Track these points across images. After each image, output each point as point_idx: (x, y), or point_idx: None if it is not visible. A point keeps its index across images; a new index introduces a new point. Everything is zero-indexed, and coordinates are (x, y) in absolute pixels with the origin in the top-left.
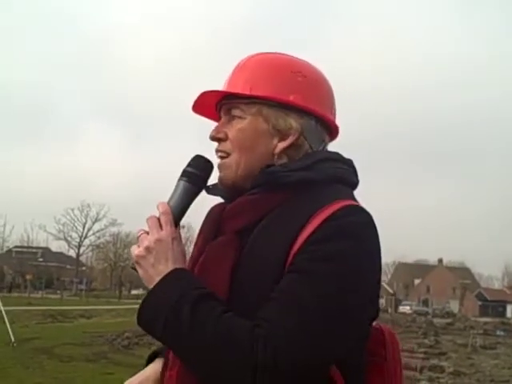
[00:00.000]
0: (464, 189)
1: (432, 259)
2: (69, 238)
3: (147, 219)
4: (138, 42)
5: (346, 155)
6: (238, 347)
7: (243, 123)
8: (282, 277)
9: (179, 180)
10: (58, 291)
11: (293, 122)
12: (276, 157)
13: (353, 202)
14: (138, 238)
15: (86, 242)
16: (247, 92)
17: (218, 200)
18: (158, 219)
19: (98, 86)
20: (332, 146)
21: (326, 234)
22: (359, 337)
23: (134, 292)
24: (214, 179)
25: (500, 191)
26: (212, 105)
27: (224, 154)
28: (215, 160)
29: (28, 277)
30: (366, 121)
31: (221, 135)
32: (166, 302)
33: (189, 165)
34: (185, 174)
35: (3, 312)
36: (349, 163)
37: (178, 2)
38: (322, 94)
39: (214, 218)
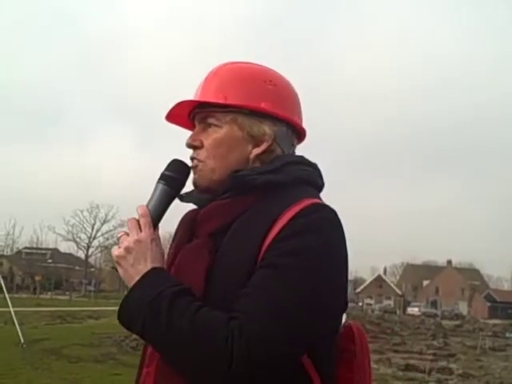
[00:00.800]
0: (473, 189)
1: (441, 260)
2: (78, 239)
3: (127, 221)
4: (150, 43)
5: (360, 157)
6: (214, 339)
7: (219, 132)
8: (254, 268)
9: (158, 183)
10: (67, 292)
11: (266, 129)
12: (250, 162)
13: (318, 201)
14: (118, 239)
15: (95, 243)
16: (222, 101)
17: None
18: (138, 221)
19: (108, 87)
20: (348, 148)
21: (293, 231)
22: (329, 327)
23: None
24: (188, 186)
25: (510, 192)
26: (185, 114)
27: (199, 162)
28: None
29: (37, 278)
30: (380, 122)
31: (197, 143)
32: (144, 300)
33: (167, 168)
34: (163, 177)
35: (12, 313)
36: (314, 166)
37: (188, 3)
38: (291, 101)
39: (188, 223)
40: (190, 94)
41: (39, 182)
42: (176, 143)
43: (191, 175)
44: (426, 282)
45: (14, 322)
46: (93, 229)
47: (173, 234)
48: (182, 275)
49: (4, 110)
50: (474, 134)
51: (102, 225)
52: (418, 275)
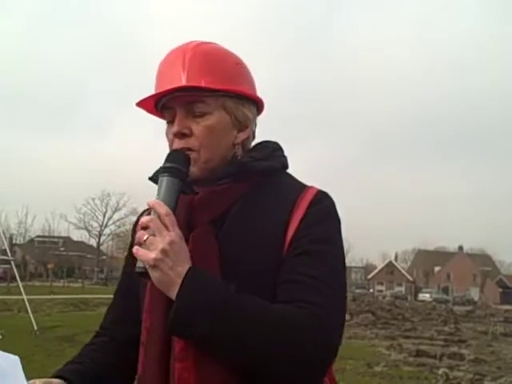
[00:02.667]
0: (485, 175)
1: (452, 246)
2: (89, 228)
3: (147, 222)
4: (171, 35)
5: (374, 142)
6: (296, 329)
7: (211, 119)
8: (282, 253)
9: (162, 177)
10: (80, 280)
11: (248, 113)
12: (236, 148)
13: (318, 187)
14: (144, 241)
15: (107, 231)
16: (211, 85)
17: None
18: (161, 220)
19: (124, 78)
20: (363, 132)
21: (316, 219)
22: None
23: None
24: None
25: None
26: (151, 98)
27: (191, 151)
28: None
29: (50, 266)
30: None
31: (186, 131)
32: (206, 302)
33: (168, 160)
34: (167, 169)
35: (26, 301)
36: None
37: None
38: (253, 79)
39: (184, 210)
40: None
41: (51, 171)
42: None
43: None
44: (437, 268)
45: (27, 310)
46: (104, 217)
47: None
48: (196, 266)
49: (19, 99)
50: (489, 119)
51: (114, 213)
52: (430, 261)
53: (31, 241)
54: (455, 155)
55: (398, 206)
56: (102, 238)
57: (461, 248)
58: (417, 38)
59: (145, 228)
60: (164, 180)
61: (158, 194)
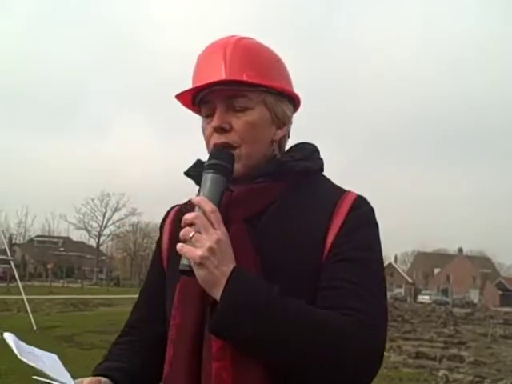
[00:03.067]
0: (485, 175)
1: (452, 248)
2: (89, 228)
3: (193, 218)
4: (173, 35)
5: (373, 143)
6: (345, 336)
7: (252, 115)
8: (321, 257)
9: (206, 173)
10: (79, 280)
11: (287, 110)
12: (273, 145)
13: (356, 192)
14: (190, 238)
15: (106, 231)
16: (255, 80)
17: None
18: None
19: (124, 78)
20: (361, 133)
21: (356, 224)
22: None
23: None
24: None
25: None
26: (189, 93)
27: (230, 147)
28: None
29: (49, 266)
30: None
31: (226, 126)
32: (251, 301)
33: (213, 157)
34: (211, 166)
35: (25, 301)
36: None
37: None
38: (290, 76)
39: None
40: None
41: (51, 171)
42: (190, 135)
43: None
44: (437, 270)
45: (26, 310)
46: (104, 217)
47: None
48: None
49: (19, 99)
50: (489, 119)
51: (113, 213)
52: (429, 263)
53: (31, 241)
54: (455, 155)
55: (398, 207)
56: (102, 238)
57: (460, 250)
58: (417, 37)
59: (189, 225)
60: (209, 177)
61: (202, 190)
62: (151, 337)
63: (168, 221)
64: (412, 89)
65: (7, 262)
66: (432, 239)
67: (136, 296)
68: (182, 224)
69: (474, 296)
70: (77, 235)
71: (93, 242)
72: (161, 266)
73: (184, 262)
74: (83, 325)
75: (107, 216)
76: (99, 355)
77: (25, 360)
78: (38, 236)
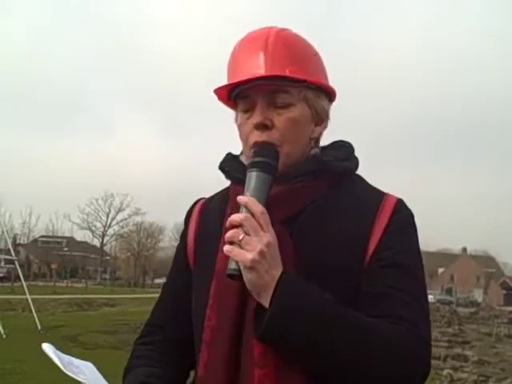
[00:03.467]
0: (485, 175)
1: (456, 248)
2: (93, 228)
3: (242, 220)
4: (171, 35)
5: (374, 143)
6: (395, 343)
7: (294, 111)
8: (363, 260)
9: (251, 171)
10: (83, 280)
11: (325, 106)
12: (312, 142)
13: (395, 195)
14: (240, 240)
15: (110, 231)
16: (300, 75)
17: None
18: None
19: (125, 78)
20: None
21: (399, 229)
22: None
23: (157, 281)
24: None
25: None
26: (227, 87)
27: (271, 145)
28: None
29: (53, 266)
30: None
31: (268, 122)
32: (302, 306)
33: (259, 155)
34: (257, 164)
35: (30, 300)
36: None
37: None
38: (325, 67)
39: None
40: (216, 82)
41: (54, 171)
42: (191, 135)
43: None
44: (441, 270)
45: (31, 310)
46: (108, 217)
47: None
48: None
49: (19, 99)
50: (488, 118)
51: (117, 213)
52: (433, 263)
53: (35, 241)
54: (455, 155)
55: None
56: (106, 238)
57: (464, 249)
58: (417, 37)
59: (235, 226)
60: (254, 175)
61: (248, 190)
62: (176, 337)
63: (194, 215)
64: (412, 89)
65: (12, 262)
66: (434, 239)
67: (140, 296)
68: (227, 225)
69: (479, 295)
70: (81, 235)
71: (97, 242)
72: (186, 262)
73: (232, 265)
74: (87, 325)
75: (111, 216)
76: (103, 355)
77: (69, 374)
78: (42, 236)
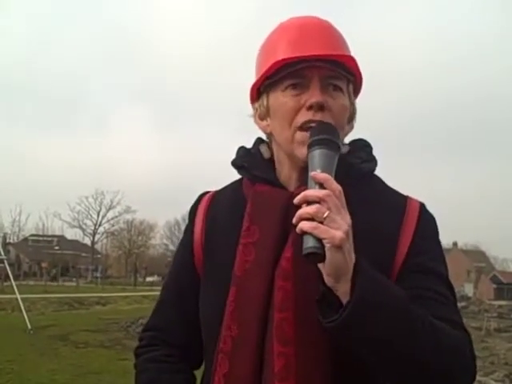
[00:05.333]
0: (478, 170)
1: (446, 242)
2: (83, 226)
3: (324, 196)
4: (171, 36)
5: (381, 144)
6: (464, 348)
7: (344, 99)
8: (393, 262)
9: (316, 149)
10: (74, 279)
11: (355, 102)
12: (343, 139)
13: (415, 197)
14: (324, 218)
15: (101, 229)
16: (355, 69)
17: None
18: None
19: (123, 78)
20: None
21: (429, 233)
22: None
23: (148, 279)
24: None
25: None
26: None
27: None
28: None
29: (44, 265)
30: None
31: (325, 104)
32: (382, 298)
33: (321, 132)
34: (322, 141)
35: (20, 300)
36: None
37: None
38: None
39: (281, 207)
40: (218, 85)
41: (45, 169)
42: (183, 133)
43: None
44: None
45: (21, 309)
46: (98, 215)
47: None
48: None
49: (18, 98)
50: (478, 113)
51: (108, 211)
52: None
53: (25, 239)
54: (454, 155)
55: None
56: (97, 236)
57: (455, 244)
58: (417, 37)
59: (315, 202)
60: (323, 152)
61: (316, 167)
62: (182, 343)
63: (201, 208)
64: (412, 88)
65: (1, 261)
66: None
67: (131, 294)
68: (301, 200)
69: (469, 290)
70: (71, 234)
71: (87, 241)
72: (191, 261)
73: (311, 243)
74: (78, 323)
75: (101, 214)
76: (94, 354)
77: None
78: (33, 235)
